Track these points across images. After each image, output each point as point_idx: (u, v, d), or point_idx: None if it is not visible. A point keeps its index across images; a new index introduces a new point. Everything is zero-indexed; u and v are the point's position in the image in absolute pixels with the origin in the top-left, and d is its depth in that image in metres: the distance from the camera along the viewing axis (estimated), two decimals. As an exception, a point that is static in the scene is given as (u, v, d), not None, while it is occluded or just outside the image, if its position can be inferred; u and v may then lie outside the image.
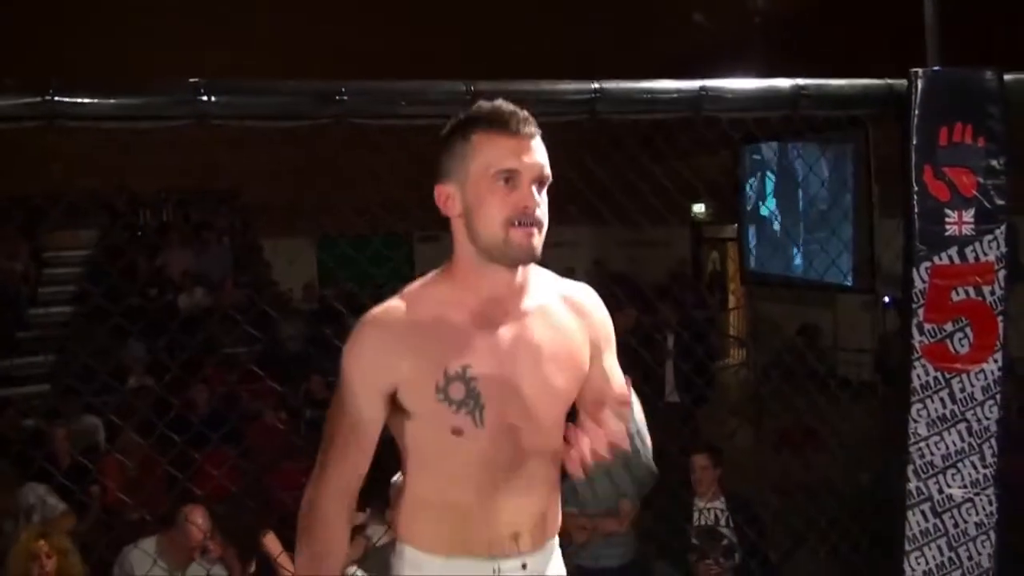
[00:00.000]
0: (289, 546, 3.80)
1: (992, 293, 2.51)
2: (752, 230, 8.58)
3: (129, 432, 5.27)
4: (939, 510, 2.56)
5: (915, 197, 2.46)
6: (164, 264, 11.16)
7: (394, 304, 1.65)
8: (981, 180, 2.48)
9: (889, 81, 2.51)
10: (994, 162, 2.48)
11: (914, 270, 2.48)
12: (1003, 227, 2.50)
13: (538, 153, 1.59)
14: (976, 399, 2.53)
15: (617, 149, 2.86)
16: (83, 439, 6.16)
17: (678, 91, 2.36)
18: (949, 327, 2.50)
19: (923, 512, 2.56)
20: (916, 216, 2.47)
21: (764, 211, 8.18)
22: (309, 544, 1.65)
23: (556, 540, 1.78)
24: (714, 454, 4.44)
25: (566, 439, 1.47)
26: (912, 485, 2.54)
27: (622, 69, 2.41)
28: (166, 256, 11.31)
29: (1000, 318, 2.52)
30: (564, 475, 1.75)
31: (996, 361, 2.53)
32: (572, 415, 1.69)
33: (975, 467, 2.56)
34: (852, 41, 8.51)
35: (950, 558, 2.57)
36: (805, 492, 4.72)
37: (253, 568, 3.95)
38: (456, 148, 1.60)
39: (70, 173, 8.87)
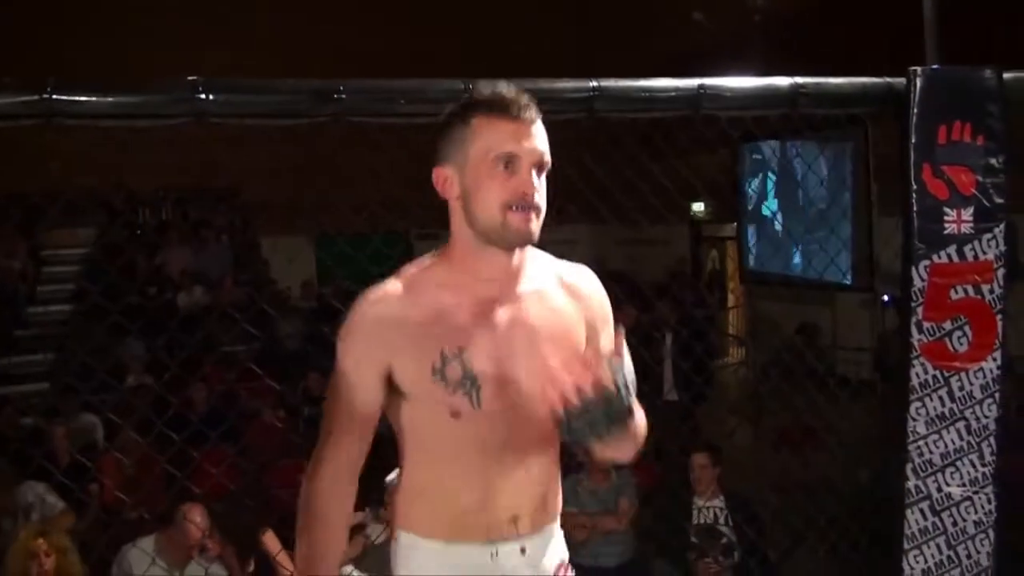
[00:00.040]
0: (288, 544, 3.80)
1: (991, 291, 2.51)
2: (751, 229, 8.59)
3: (128, 431, 5.27)
4: (938, 508, 2.56)
5: (914, 195, 2.46)
6: (163, 262, 11.15)
7: (391, 286, 1.65)
8: (980, 178, 2.48)
9: (888, 79, 2.51)
10: (993, 160, 2.48)
11: (913, 268, 2.48)
12: (1002, 225, 2.50)
13: (538, 138, 1.59)
14: (975, 397, 2.53)
15: (616, 147, 2.86)
16: (82, 437, 6.16)
17: (676, 89, 2.36)
18: (948, 325, 2.50)
19: (922, 510, 2.56)
20: (915, 214, 2.47)
21: (765, 211, 8.18)
22: (309, 527, 1.65)
23: (557, 524, 1.77)
24: (713, 453, 4.45)
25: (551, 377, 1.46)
26: (911, 483, 2.54)
27: (622, 69, 2.40)
28: (165, 254, 11.30)
29: (999, 316, 2.52)
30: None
31: (995, 359, 2.53)
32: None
33: (974, 465, 2.56)
34: (851, 41, 8.51)
35: (949, 556, 2.57)
36: (804, 491, 4.72)
37: (252, 567, 3.95)
38: (456, 131, 1.60)
39: (68, 171, 8.86)
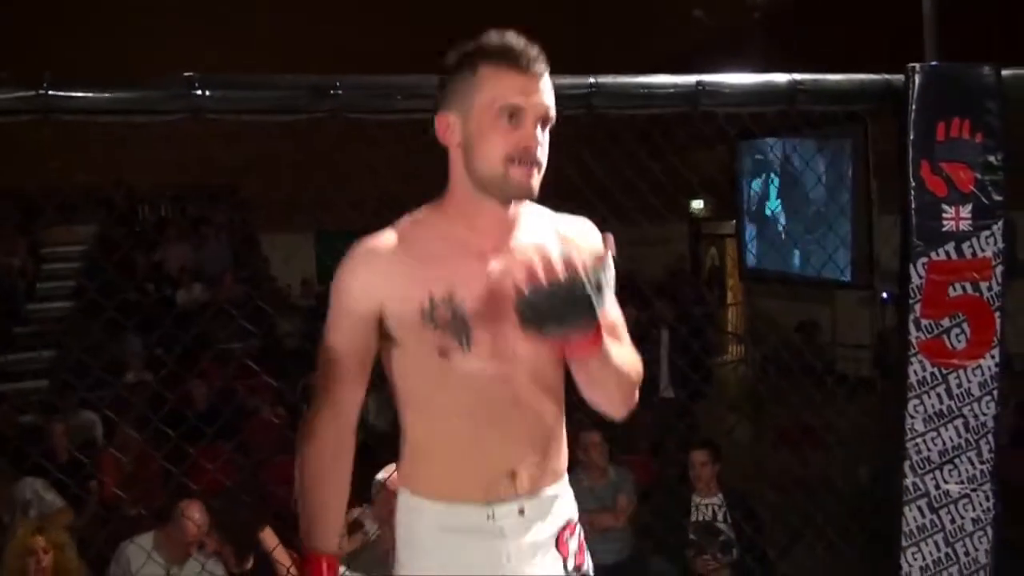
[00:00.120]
0: (287, 542, 3.80)
1: (989, 289, 2.51)
2: (750, 226, 8.58)
3: (126, 428, 5.27)
4: (936, 506, 2.56)
5: (912, 192, 2.46)
6: (162, 259, 11.16)
7: (385, 233, 1.65)
8: (979, 176, 2.48)
9: (886, 76, 2.50)
10: (992, 158, 2.48)
11: (911, 266, 2.48)
12: (1000, 223, 2.50)
13: (545, 93, 1.57)
14: (973, 395, 2.53)
15: (615, 144, 2.86)
16: (81, 434, 6.16)
17: (674, 86, 2.36)
18: (946, 323, 2.50)
19: (920, 508, 2.55)
20: (913, 212, 2.47)
21: (765, 209, 8.18)
22: (311, 490, 1.63)
23: (562, 484, 1.73)
24: (712, 450, 4.45)
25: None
26: (909, 481, 2.54)
27: (621, 67, 2.40)
28: (164, 251, 11.30)
29: (997, 314, 2.52)
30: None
31: (993, 357, 2.53)
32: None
33: (972, 463, 2.56)
34: (851, 40, 8.51)
35: (947, 554, 2.57)
36: (802, 488, 4.72)
37: (251, 564, 3.95)
38: (461, 77, 1.58)
39: (68, 168, 8.85)
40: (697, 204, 14.20)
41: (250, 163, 9.34)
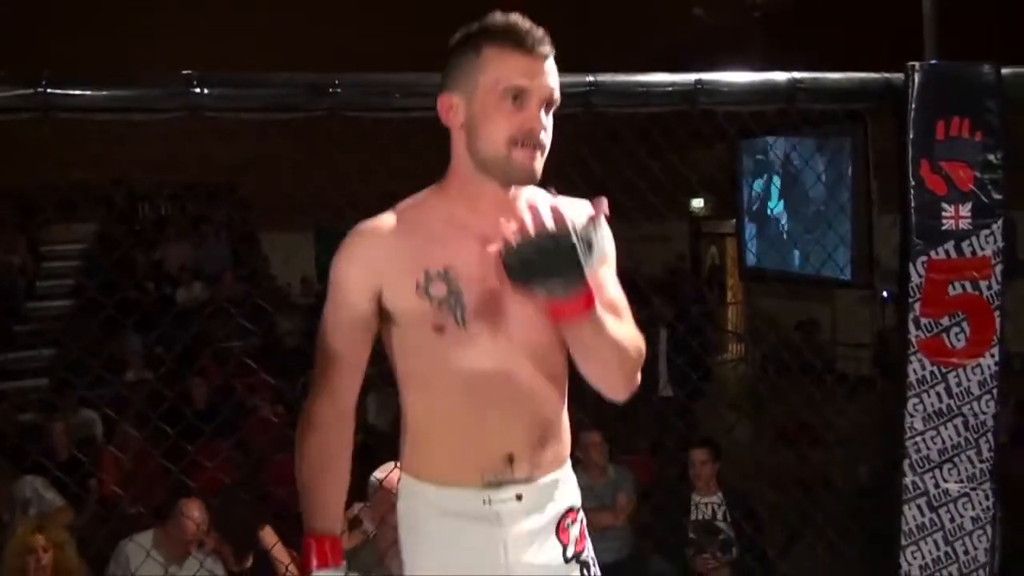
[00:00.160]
0: (286, 540, 3.80)
1: (989, 288, 2.51)
2: (750, 225, 8.58)
3: (127, 427, 5.27)
4: (935, 505, 2.55)
5: (912, 191, 2.46)
6: (162, 258, 11.16)
7: (384, 215, 1.65)
8: (978, 175, 2.47)
9: (886, 75, 2.50)
10: (991, 156, 2.48)
11: (911, 264, 2.48)
12: (1000, 222, 2.50)
13: (550, 75, 1.56)
14: (973, 393, 2.53)
15: (615, 143, 2.85)
16: (81, 433, 6.16)
17: (673, 84, 2.36)
18: (946, 321, 2.50)
19: (919, 507, 2.55)
20: (913, 210, 2.47)
21: (769, 211, 8.17)
22: (313, 477, 1.62)
23: (563, 472, 1.72)
24: (712, 449, 4.45)
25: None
26: (908, 480, 2.54)
27: (620, 66, 2.39)
28: (164, 250, 11.30)
29: (997, 313, 2.52)
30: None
31: (993, 356, 2.53)
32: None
33: (971, 462, 2.55)
34: (851, 39, 8.51)
35: (946, 553, 2.57)
36: (803, 487, 4.72)
37: (250, 562, 3.95)
38: (465, 58, 1.57)
39: (67, 166, 8.84)
40: (697, 203, 14.20)
41: (249, 161, 9.35)
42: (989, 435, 2.55)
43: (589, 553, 1.74)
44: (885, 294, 7.93)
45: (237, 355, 7.67)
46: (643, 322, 1.69)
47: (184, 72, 1.96)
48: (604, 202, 1.49)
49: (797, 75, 2.43)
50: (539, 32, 1.55)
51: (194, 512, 3.68)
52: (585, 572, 1.71)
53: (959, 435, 2.54)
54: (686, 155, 3.42)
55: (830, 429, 4.37)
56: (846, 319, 10.19)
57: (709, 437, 4.78)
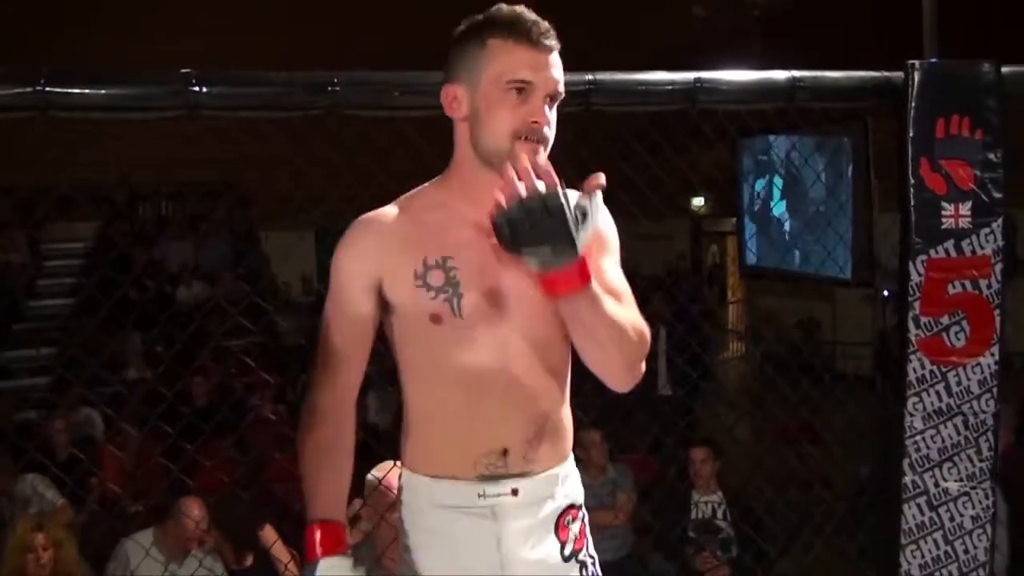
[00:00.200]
0: (287, 539, 3.80)
1: (989, 287, 2.50)
2: (750, 224, 8.55)
3: (127, 426, 5.27)
4: (935, 504, 2.55)
5: (911, 190, 2.46)
6: (163, 256, 11.17)
7: (385, 207, 1.65)
8: (978, 173, 2.47)
9: (886, 73, 2.50)
10: (991, 155, 2.47)
11: (910, 263, 2.47)
12: (1000, 220, 2.49)
13: (555, 68, 1.55)
14: (972, 392, 2.52)
15: (617, 141, 2.85)
16: (81, 431, 6.16)
17: (673, 83, 2.35)
18: (945, 320, 2.50)
19: (919, 506, 2.55)
20: (912, 209, 2.46)
21: (772, 212, 8.14)
22: (317, 469, 1.60)
23: (564, 467, 1.70)
24: (712, 447, 4.45)
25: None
26: (908, 479, 2.54)
27: (621, 67, 2.39)
28: (164, 248, 11.31)
29: (997, 312, 2.51)
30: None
31: (993, 355, 2.52)
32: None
33: (971, 461, 2.55)
34: (851, 38, 8.51)
35: (946, 552, 2.57)
36: (800, 486, 4.72)
37: (251, 560, 3.95)
38: (470, 49, 1.56)
39: (69, 165, 8.84)
40: (697, 201, 14.20)
41: (250, 160, 9.34)
42: (989, 434, 2.55)
43: (589, 552, 1.73)
44: (886, 293, 7.92)
45: (238, 353, 7.67)
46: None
47: (183, 70, 1.96)
48: (601, 176, 1.48)
49: (797, 73, 2.43)
50: (544, 25, 1.54)
51: (194, 510, 3.68)
52: (584, 572, 1.70)
53: (959, 434, 2.54)
54: (686, 154, 3.42)
55: (829, 428, 4.36)
56: (847, 318, 10.19)
57: (709, 436, 4.78)
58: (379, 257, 1.60)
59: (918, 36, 3.14)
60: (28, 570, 3.50)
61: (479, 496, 1.61)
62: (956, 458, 2.54)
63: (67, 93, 1.91)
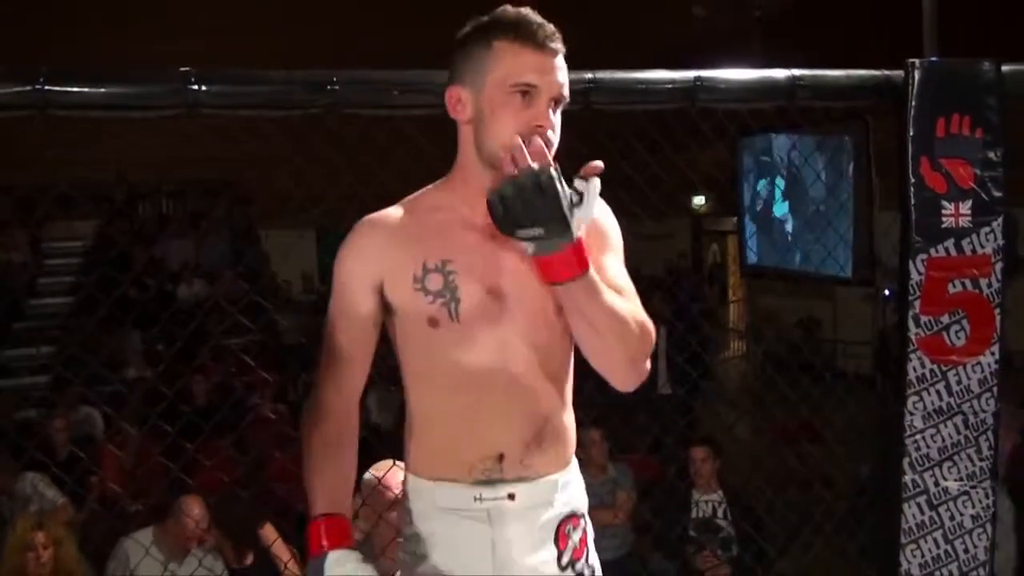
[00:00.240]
0: (287, 538, 3.80)
1: (989, 286, 2.50)
2: (750, 223, 8.55)
3: (126, 425, 5.27)
4: (935, 503, 2.55)
5: (912, 189, 2.45)
6: (163, 255, 11.17)
7: (389, 208, 1.66)
8: (978, 172, 2.47)
9: (886, 72, 2.49)
10: (992, 154, 2.47)
11: (910, 262, 2.47)
12: (1000, 219, 2.49)
13: (560, 72, 1.55)
14: (973, 391, 2.52)
15: (617, 140, 2.85)
16: (81, 429, 6.16)
17: (672, 82, 2.35)
18: (946, 319, 2.49)
19: (919, 505, 2.55)
20: (913, 208, 2.46)
21: (774, 213, 8.14)
22: (315, 445, 1.60)
23: (565, 474, 1.68)
24: (713, 446, 4.45)
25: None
26: (908, 478, 2.53)
27: (621, 66, 2.39)
28: (165, 247, 11.32)
29: (997, 311, 2.51)
30: None
31: (993, 354, 2.52)
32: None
33: (971, 460, 2.55)
34: (851, 40, 8.51)
35: (946, 551, 2.57)
36: (802, 485, 4.72)
37: (251, 559, 3.95)
38: (475, 51, 1.55)
39: (69, 163, 8.85)
40: (698, 200, 14.20)
41: (250, 159, 9.35)
42: (989, 433, 2.55)
43: (588, 562, 1.71)
44: (887, 292, 7.91)
45: (238, 352, 7.68)
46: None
47: (182, 69, 1.96)
48: (598, 164, 1.48)
49: (797, 72, 2.42)
50: (550, 28, 1.54)
51: (194, 509, 3.68)
52: None
53: (959, 433, 2.53)
54: (685, 153, 3.42)
55: (830, 427, 4.36)
56: (848, 316, 10.19)
57: (709, 435, 4.78)
58: (380, 258, 1.60)
59: (918, 36, 3.14)
60: (28, 569, 3.50)
61: (475, 499, 1.60)
62: (956, 457, 2.54)
63: (66, 92, 1.91)
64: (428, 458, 1.66)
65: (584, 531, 1.71)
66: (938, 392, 2.51)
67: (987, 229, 2.48)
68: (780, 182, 7.56)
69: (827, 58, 2.91)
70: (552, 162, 1.39)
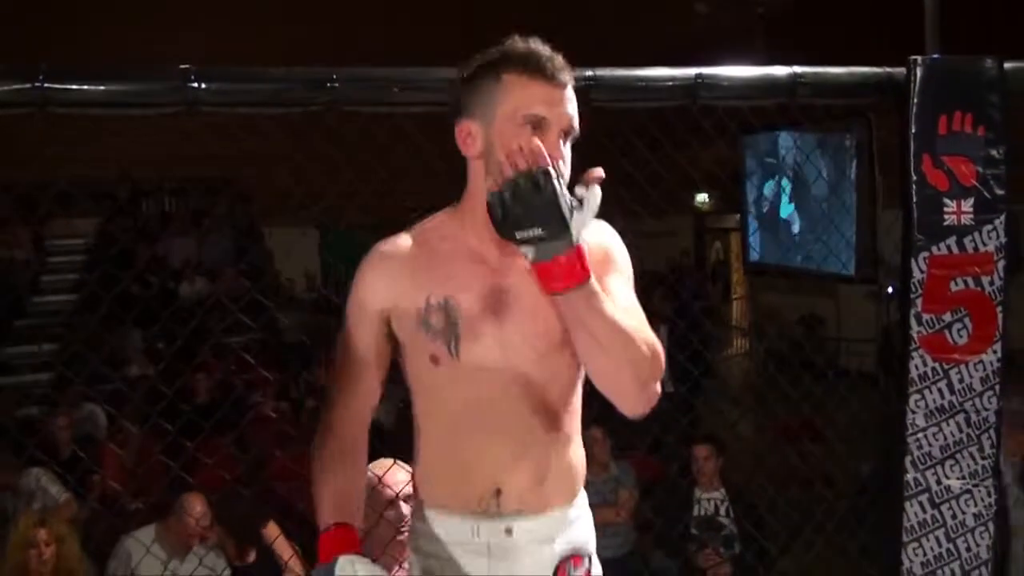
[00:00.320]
0: (289, 535, 3.80)
1: (991, 283, 2.49)
2: (753, 220, 8.55)
3: (127, 424, 5.27)
4: (937, 501, 2.54)
5: (913, 186, 2.45)
6: (166, 252, 11.18)
7: (400, 236, 1.67)
8: (981, 169, 2.46)
9: (888, 69, 2.49)
10: (994, 151, 2.46)
11: (912, 260, 2.47)
12: (1002, 217, 2.48)
13: (570, 104, 1.54)
14: (975, 390, 2.51)
15: (617, 138, 2.84)
16: (83, 427, 6.17)
17: (673, 79, 2.34)
18: (948, 317, 2.49)
19: (921, 503, 2.54)
20: (914, 205, 2.45)
21: (780, 213, 8.14)
22: (324, 457, 1.60)
23: (568, 512, 1.67)
24: (715, 444, 4.45)
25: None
26: (910, 476, 2.53)
27: (622, 65, 2.38)
28: (167, 244, 11.32)
29: (999, 309, 2.50)
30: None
31: (995, 352, 2.51)
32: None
33: (973, 458, 2.54)
34: (853, 38, 8.49)
35: (948, 549, 2.56)
36: (804, 483, 4.71)
37: (253, 557, 3.95)
38: (485, 85, 1.54)
39: (70, 162, 8.84)
40: (701, 197, 14.19)
41: (249, 156, 9.35)
42: (991, 431, 2.54)
43: None
44: (890, 289, 7.91)
45: (239, 350, 7.68)
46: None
47: (182, 66, 1.96)
48: (599, 171, 1.47)
49: (798, 69, 2.42)
50: (560, 60, 1.53)
51: (196, 507, 3.68)
52: None
53: (961, 431, 2.53)
54: (686, 150, 3.41)
55: (832, 425, 4.36)
56: (851, 314, 10.18)
57: (712, 433, 4.78)
58: (389, 289, 1.62)
59: (920, 33, 3.13)
60: (30, 566, 3.51)
61: (473, 533, 1.61)
62: (958, 455, 2.54)
63: (66, 89, 1.91)
64: (430, 487, 1.68)
65: (587, 569, 1.69)
66: (940, 390, 2.51)
67: (989, 227, 2.47)
68: (787, 184, 7.56)
69: (829, 55, 2.90)
70: (550, 162, 1.38)
